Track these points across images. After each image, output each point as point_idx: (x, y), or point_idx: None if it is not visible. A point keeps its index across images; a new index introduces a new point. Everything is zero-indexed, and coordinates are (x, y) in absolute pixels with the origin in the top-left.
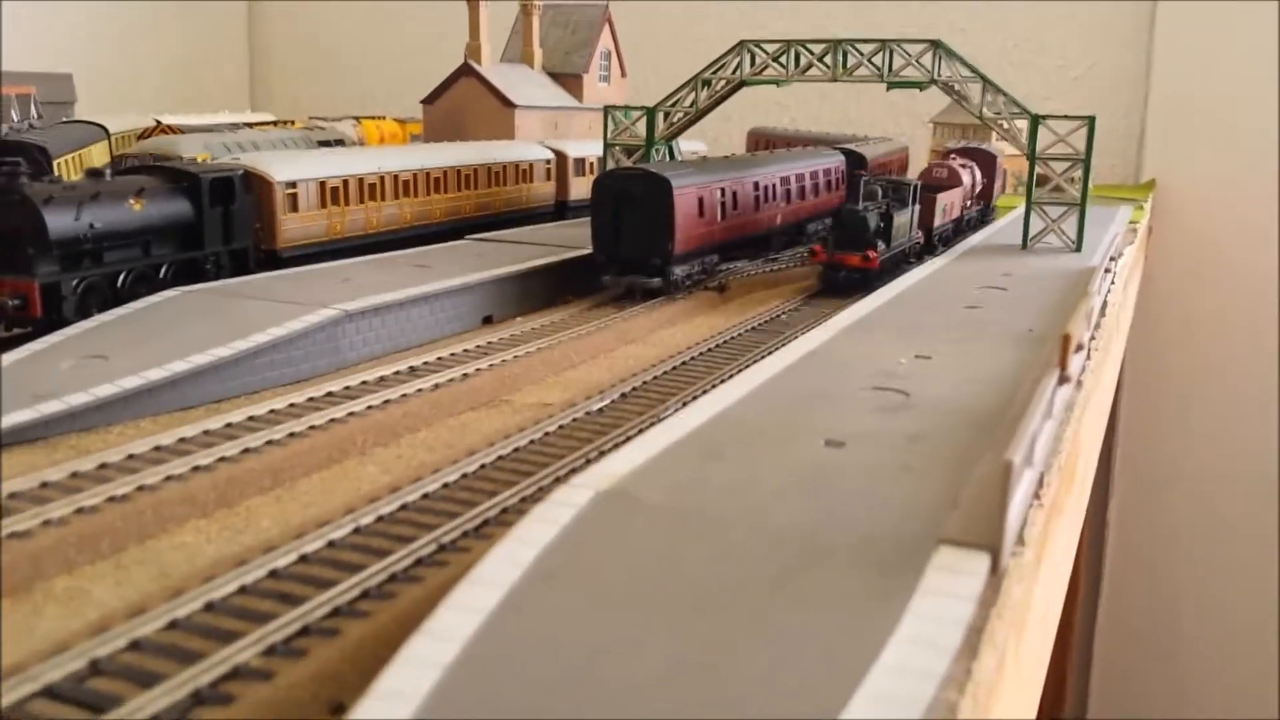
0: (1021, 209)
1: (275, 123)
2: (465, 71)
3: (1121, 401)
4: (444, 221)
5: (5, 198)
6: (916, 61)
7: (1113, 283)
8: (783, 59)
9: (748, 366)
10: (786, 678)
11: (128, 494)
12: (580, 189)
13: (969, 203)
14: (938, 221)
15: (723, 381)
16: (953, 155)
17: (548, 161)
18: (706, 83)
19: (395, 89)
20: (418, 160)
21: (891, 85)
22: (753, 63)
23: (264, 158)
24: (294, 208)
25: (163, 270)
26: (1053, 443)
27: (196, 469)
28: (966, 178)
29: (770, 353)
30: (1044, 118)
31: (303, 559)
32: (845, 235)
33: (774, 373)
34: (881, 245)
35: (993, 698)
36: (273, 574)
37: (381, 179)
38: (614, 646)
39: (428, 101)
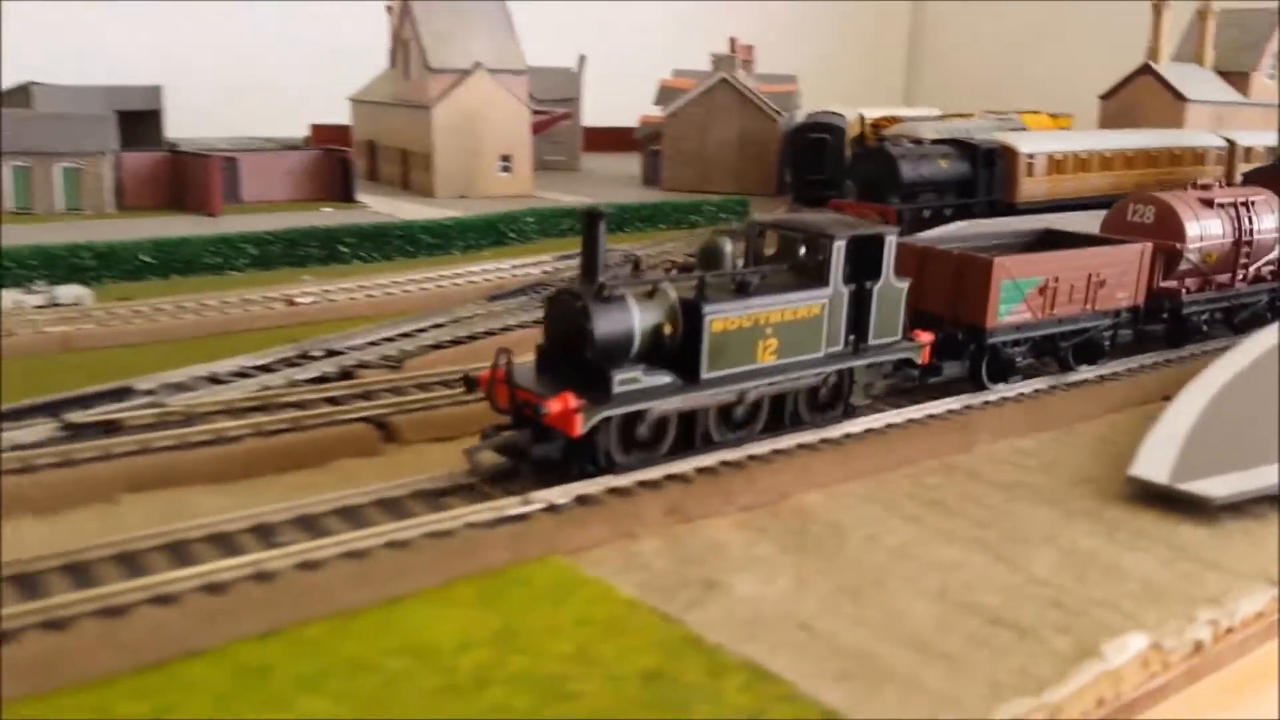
0: None
1: (956, 115)
2: (1143, 70)
3: None
4: (1130, 193)
5: (879, 155)
6: None
7: None
8: None
9: None
10: None
11: None
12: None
13: (1238, 273)
14: (1019, 315)
15: None
16: (1210, 183)
17: (1220, 148)
18: None
19: (1037, 86)
20: (1117, 142)
21: None
22: None
23: (1010, 136)
24: (1030, 173)
25: (946, 210)
26: None
27: None
28: (1211, 225)
29: None
30: None
31: None
32: (555, 353)
33: None
34: (630, 378)
35: None
36: None
37: (1091, 155)
38: None
39: (1105, 97)
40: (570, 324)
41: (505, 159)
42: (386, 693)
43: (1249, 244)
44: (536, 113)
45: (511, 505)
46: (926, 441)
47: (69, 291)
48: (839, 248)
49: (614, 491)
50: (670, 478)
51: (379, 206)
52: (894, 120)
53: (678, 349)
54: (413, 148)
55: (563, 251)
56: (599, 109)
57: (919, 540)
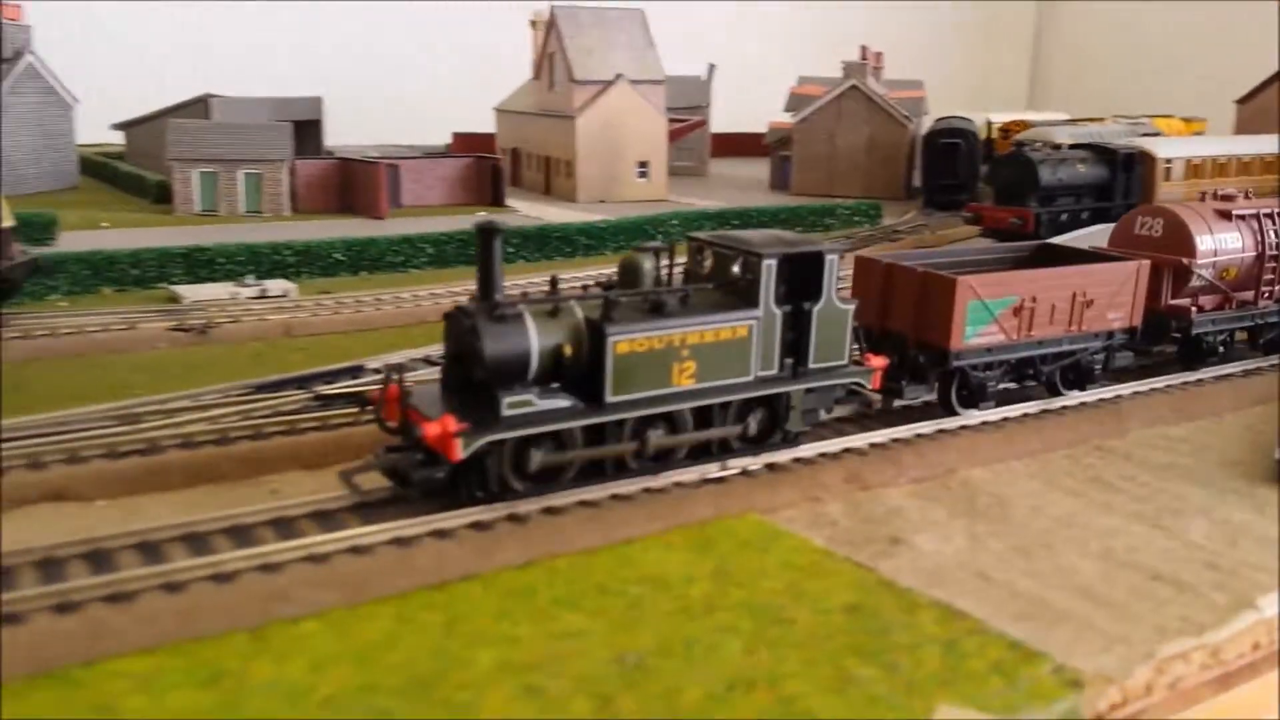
0: None
1: (1088, 119)
2: None
3: None
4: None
5: (1017, 159)
6: None
7: None
8: None
9: None
10: None
11: None
12: None
13: (1262, 290)
14: (990, 337)
15: None
16: (1232, 194)
17: None
18: None
19: (1164, 90)
20: (1254, 147)
21: None
22: None
23: (1148, 140)
24: (1167, 177)
25: (1083, 214)
26: None
27: None
28: (1229, 238)
29: None
30: None
31: None
32: (453, 374)
33: None
34: (521, 400)
35: None
36: None
37: (1229, 160)
38: None
39: (1242, 101)
40: (462, 343)
41: (643, 165)
42: (632, 612)
43: (1275, 259)
44: (672, 120)
45: (712, 469)
46: (1082, 426)
47: (278, 284)
48: (769, 267)
49: (799, 461)
50: (848, 450)
51: (526, 210)
52: (1023, 125)
53: (582, 371)
54: (556, 154)
55: None
56: (723, 115)
57: (1081, 510)
